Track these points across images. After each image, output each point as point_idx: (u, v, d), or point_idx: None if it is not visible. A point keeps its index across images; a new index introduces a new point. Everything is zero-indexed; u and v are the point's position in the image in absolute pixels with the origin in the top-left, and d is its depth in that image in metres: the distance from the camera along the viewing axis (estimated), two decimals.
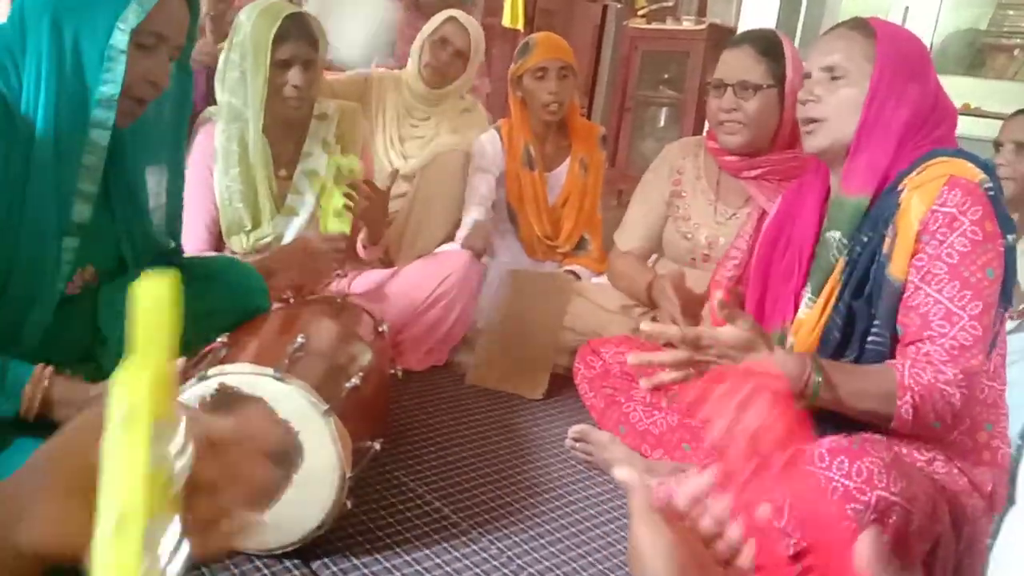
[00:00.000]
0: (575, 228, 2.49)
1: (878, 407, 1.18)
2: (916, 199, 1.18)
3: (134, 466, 0.44)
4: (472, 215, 2.31)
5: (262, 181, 1.88)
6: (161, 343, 0.46)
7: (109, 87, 1.13)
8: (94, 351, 1.29)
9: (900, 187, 1.22)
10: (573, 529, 1.44)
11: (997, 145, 2.19)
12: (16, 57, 1.12)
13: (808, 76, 1.33)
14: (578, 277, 2.37)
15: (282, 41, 1.80)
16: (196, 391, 1.12)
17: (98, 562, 0.43)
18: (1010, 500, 0.75)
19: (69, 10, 1.11)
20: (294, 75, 1.82)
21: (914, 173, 1.21)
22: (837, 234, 1.29)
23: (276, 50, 1.80)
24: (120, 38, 1.12)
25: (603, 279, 2.29)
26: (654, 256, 2.14)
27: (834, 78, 1.28)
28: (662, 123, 4.51)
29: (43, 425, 1.08)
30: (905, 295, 1.19)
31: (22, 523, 0.50)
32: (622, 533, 1.44)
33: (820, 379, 1.19)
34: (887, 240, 1.22)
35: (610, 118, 4.68)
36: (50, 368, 1.11)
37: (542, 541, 1.39)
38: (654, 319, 1.96)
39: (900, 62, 1.26)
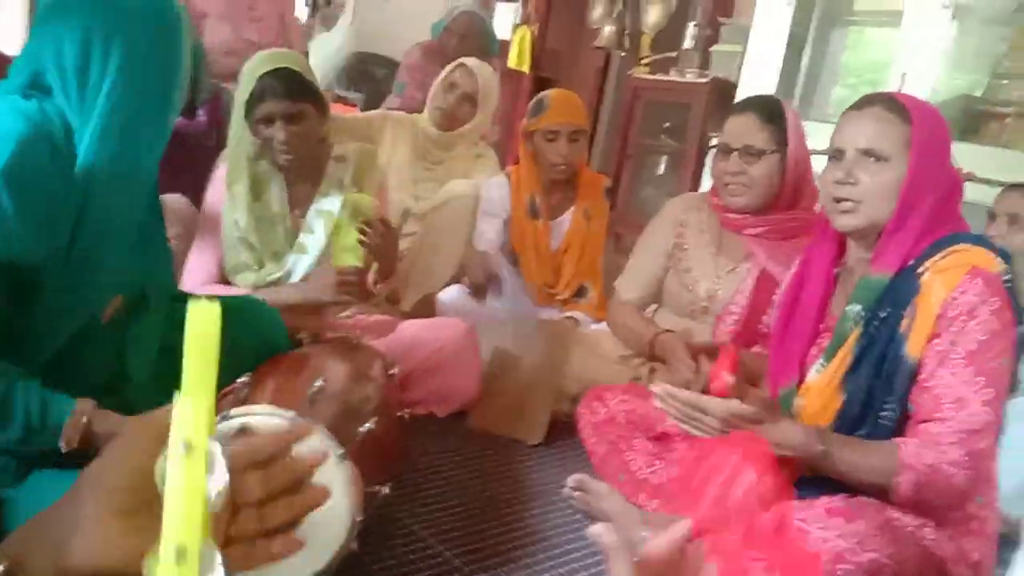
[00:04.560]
0: (575, 276, 2.54)
1: (878, 480, 1.24)
2: (938, 283, 1.24)
3: (194, 497, 0.46)
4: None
5: (250, 228, 1.95)
6: (211, 371, 0.49)
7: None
8: (117, 383, 1.32)
9: (921, 269, 1.27)
10: None
11: (991, 215, 2.26)
12: (68, 88, 1.14)
13: (840, 152, 1.36)
14: (577, 323, 2.42)
15: (259, 102, 1.86)
16: (219, 429, 1.16)
17: None
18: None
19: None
20: (277, 131, 1.87)
21: (937, 257, 1.26)
22: (858, 307, 1.35)
23: (256, 109, 1.87)
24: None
25: (603, 326, 2.34)
26: (652, 306, 2.19)
27: (872, 161, 1.32)
28: (662, 171, 4.58)
29: (81, 454, 1.11)
30: (920, 376, 1.25)
31: (71, 545, 0.52)
32: None
33: (823, 448, 1.26)
34: (905, 320, 1.27)
35: (611, 163, 4.75)
36: (92, 402, 1.14)
37: None
38: (652, 370, 2.01)
39: (934, 149, 1.32)
